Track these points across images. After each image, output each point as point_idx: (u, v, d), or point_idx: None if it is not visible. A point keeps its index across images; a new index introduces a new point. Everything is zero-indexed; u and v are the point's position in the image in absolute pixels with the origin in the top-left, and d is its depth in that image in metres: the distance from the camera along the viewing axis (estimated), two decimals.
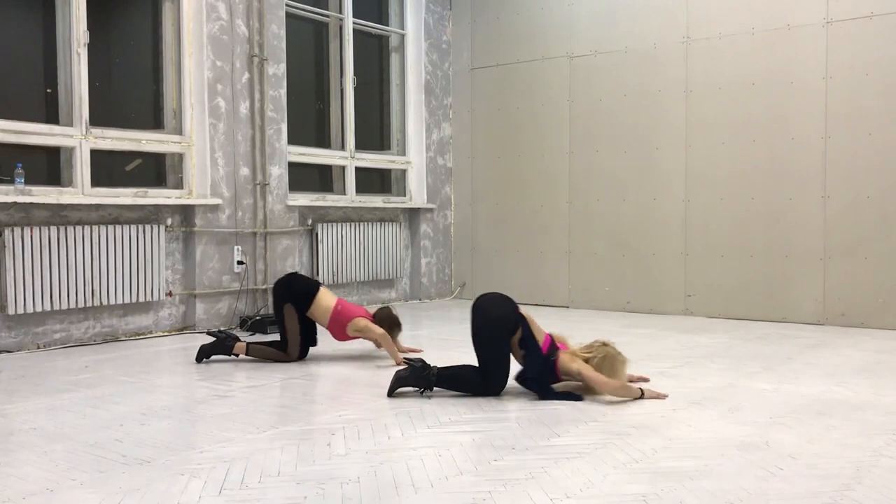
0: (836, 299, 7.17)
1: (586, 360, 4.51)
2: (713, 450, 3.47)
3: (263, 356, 5.57)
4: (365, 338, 5.67)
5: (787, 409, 4.18)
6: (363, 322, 5.58)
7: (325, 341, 6.50)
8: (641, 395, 4.43)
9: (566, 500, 2.89)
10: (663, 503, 2.86)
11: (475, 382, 4.51)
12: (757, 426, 3.85)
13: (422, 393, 4.54)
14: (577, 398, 4.41)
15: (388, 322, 5.71)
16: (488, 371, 4.49)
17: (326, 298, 5.62)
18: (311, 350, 5.78)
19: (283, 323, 5.57)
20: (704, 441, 3.61)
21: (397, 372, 4.58)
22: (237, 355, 5.56)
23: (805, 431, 3.75)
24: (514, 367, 4.53)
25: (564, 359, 4.51)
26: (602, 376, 4.43)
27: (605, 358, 4.51)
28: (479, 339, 4.51)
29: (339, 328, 5.61)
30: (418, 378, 4.50)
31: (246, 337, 6.58)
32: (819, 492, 2.95)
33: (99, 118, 6.53)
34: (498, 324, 4.49)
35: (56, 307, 6.07)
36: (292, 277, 5.71)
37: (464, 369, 4.62)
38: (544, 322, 7.55)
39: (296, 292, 5.58)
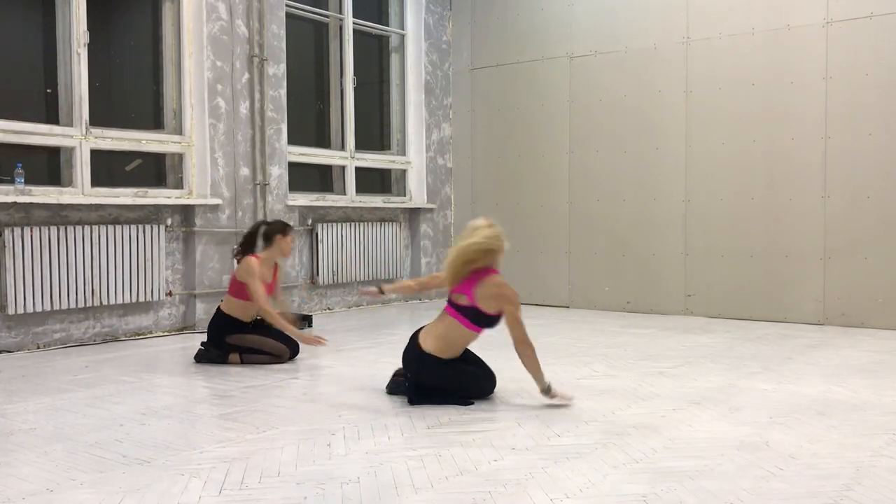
0: (836, 299, 7.17)
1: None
2: (713, 450, 3.47)
3: (259, 362, 5.53)
4: (251, 293, 5.42)
5: (787, 409, 4.18)
6: (251, 264, 5.45)
7: (328, 342, 6.49)
8: (548, 390, 4.21)
9: (566, 500, 2.89)
10: (663, 503, 2.86)
11: (467, 387, 4.41)
12: (757, 426, 3.85)
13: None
14: (468, 403, 4.27)
15: (267, 234, 5.62)
16: (468, 384, 4.41)
17: (229, 300, 5.60)
18: (312, 350, 5.75)
19: (249, 347, 5.51)
20: (704, 441, 3.61)
21: (395, 376, 4.57)
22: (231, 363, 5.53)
23: (805, 431, 3.75)
24: (497, 364, 4.52)
25: (481, 293, 4.21)
26: (520, 323, 4.18)
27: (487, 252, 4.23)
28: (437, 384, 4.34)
29: (235, 285, 5.54)
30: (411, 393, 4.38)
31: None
32: (819, 492, 2.95)
33: (99, 118, 6.53)
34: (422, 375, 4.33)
35: (56, 307, 6.06)
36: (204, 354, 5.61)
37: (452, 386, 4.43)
38: (544, 322, 7.58)
39: (217, 336, 5.54)
